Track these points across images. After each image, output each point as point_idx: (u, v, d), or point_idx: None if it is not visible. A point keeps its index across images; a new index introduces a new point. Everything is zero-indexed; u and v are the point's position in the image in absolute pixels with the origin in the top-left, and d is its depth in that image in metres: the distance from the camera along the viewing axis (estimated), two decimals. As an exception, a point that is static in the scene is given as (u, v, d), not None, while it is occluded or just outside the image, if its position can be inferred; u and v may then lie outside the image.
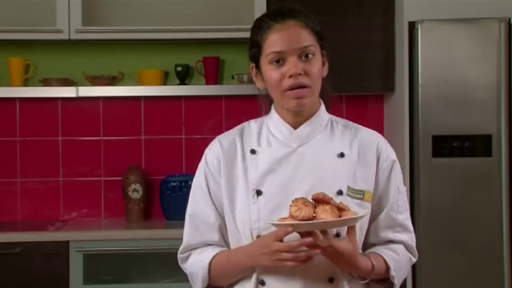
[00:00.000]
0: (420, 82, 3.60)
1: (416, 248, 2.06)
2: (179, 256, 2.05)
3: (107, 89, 4.05)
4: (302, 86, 1.89)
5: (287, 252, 1.79)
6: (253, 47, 1.97)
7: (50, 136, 4.17)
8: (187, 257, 2.03)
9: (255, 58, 1.98)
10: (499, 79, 3.56)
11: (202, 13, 4.08)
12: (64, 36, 3.87)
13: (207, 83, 4.09)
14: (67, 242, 3.64)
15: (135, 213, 4.02)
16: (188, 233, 2.03)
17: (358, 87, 3.92)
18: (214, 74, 4.09)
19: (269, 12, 1.98)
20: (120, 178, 4.10)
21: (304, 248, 1.78)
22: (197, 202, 2.01)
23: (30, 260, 3.61)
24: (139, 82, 4.12)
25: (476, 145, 3.59)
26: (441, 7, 3.65)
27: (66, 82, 4.05)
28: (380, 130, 4.17)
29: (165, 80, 4.14)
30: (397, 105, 3.85)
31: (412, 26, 3.67)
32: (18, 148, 4.17)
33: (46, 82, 4.02)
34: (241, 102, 4.08)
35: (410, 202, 3.66)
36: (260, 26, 1.95)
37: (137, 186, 4.01)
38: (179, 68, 4.11)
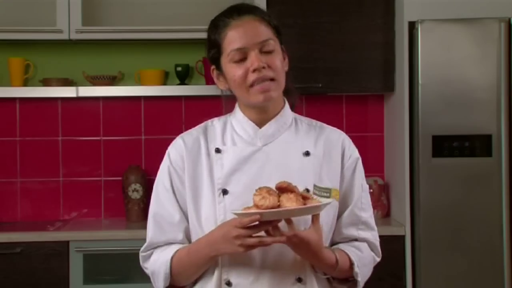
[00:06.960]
0: (420, 82, 3.59)
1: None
2: (141, 254, 2.00)
3: (107, 89, 4.05)
4: (267, 79, 1.86)
5: (249, 237, 1.73)
6: (212, 48, 1.93)
7: (50, 136, 4.17)
8: (149, 256, 1.98)
9: (215, 59, 1.94)
10: (499, 79, 3.56)
11: (202, 13, 4.06)
12: (64, 36, 3.87)
13: (207, 83, 4.09)
14: (67, 242, 3.64)
15: (135, 213, 4.02)
16: (152, 232, 1.97)
17: (358, 87, 3.91)
18: (214, 74, 4.08)
19: (225, 10, 1.94)
20: (120, 178, 4.10)
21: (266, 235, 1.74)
22: (161, 202, 1.96)
23: (30, 260, 3.61)
24: (139, 82, 4.12)
25: (476, 145, 3.59)
26: (441, 7, 3.65)
27: (66, 82, 4.05)
28: (380, 130, 4.20)
29: (165, 80, 4.14)
30: (397, 105, 3.85)
31: (412, 26, 3.67)
32: (18, 148, 4.17)
33: (46, 82, 4.02)
34: (241, 102, 4.08)
35: (410, 202, 3.67)
36: (217, 25, 1.92)
37: (137, 186, 4.01)
38: (179, 68, 4.11)
